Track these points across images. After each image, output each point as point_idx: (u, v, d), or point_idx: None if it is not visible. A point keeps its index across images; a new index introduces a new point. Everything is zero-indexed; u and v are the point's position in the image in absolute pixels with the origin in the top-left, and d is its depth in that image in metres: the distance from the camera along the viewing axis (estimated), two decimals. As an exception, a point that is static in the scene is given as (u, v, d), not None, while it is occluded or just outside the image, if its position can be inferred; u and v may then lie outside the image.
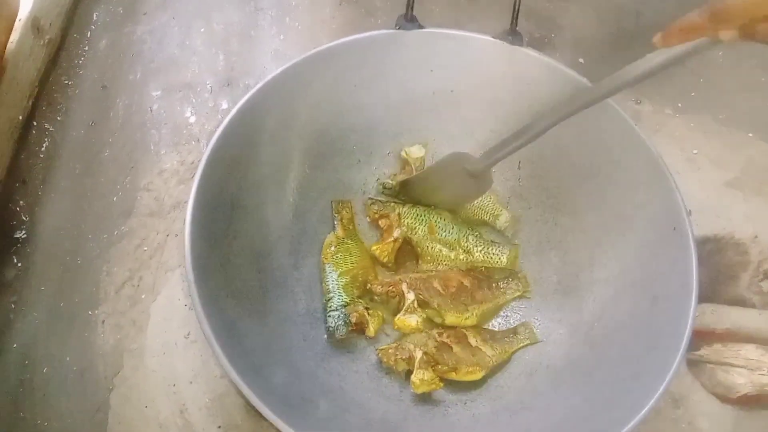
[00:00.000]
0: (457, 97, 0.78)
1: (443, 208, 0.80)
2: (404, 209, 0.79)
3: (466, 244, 0.78)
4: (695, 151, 0.91)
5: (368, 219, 0.81)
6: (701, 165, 0.90)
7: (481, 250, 0.78)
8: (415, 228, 0.78)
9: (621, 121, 0.70)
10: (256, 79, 0.95)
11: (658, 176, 0.67)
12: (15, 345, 0.76)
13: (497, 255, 0.78)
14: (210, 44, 0.99)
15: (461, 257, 0.78)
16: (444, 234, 0.78)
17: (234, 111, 0.66)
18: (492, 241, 0.79)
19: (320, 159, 0.78)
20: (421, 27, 0.73)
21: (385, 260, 0.77)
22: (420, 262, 0.79)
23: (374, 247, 0.78)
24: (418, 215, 0.79)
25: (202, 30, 1.00)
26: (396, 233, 0.78)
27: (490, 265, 0.78)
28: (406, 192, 0.81)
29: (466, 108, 0.79)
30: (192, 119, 0.92)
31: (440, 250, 0.78)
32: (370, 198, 0.81)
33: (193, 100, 0.94)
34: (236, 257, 0.67)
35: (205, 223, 0.62)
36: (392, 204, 0.80)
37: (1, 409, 0.73)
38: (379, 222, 0.79)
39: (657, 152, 0.68)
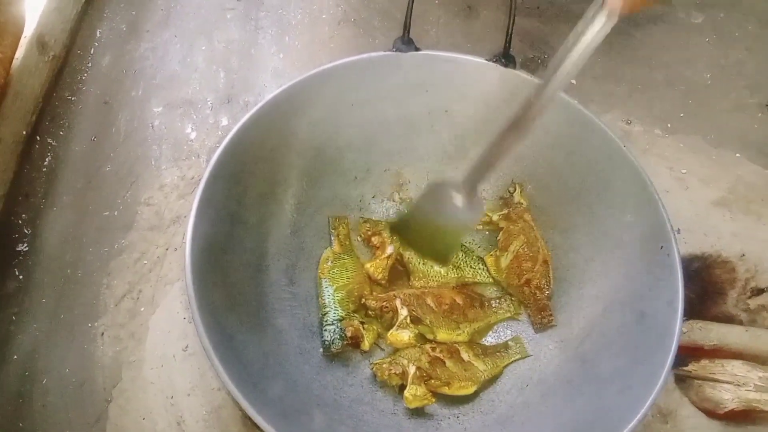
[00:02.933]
0: (451, 116, 0.80)
1: (437, 255, 0.78)
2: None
3: (456, 261, 0.80)
4: (684, 171, 0.93)
5: (360, 238, 0.82)
6: (690, 184, 0.92)
7: (469, 267, 0.80)
8: (406, 246, 0.80)
9: (610, 141, 0.72)
10: (256, 96, 0.98)
11: (646, 196, 0.69)
12: (15, 356, 0.77)
13: (484, 270, 0.80)
14: (211, 62, 1.01)
15: (451, 274, 0.80)
16: None
17: (236, 128, 0.68)
18: (479, 258, 0.81)
19: (318, 176, 0.79)
20: (417, 49, 0.75)
21: (379, 277, 0.78)
22: (411, 278, 0.80)
23: (368, 265, 0.79)
24: None
25: (204, 48, 1.03)
26: (389, 250, 0.79)
27: (478, 280, 0.80)
28: (400, 236, 0.79)
29: (461, 127, 0.81)
30: (192, 135, 0.94)
31: (431, 267, 0.79)
32: (361, 217, 0.83)
33: (194, 117, 0.96)
34: (235, 271, 0.68)
35: (206, 238, 0.63)
36: (383, 223, 0.82)
37: (1, 419, 0.73)
38: (372, 239, 0.81)
39: (645, 172, 0.70)
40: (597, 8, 0.55)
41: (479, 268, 0.81)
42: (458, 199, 0.69)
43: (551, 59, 0.60)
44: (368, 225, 0.81)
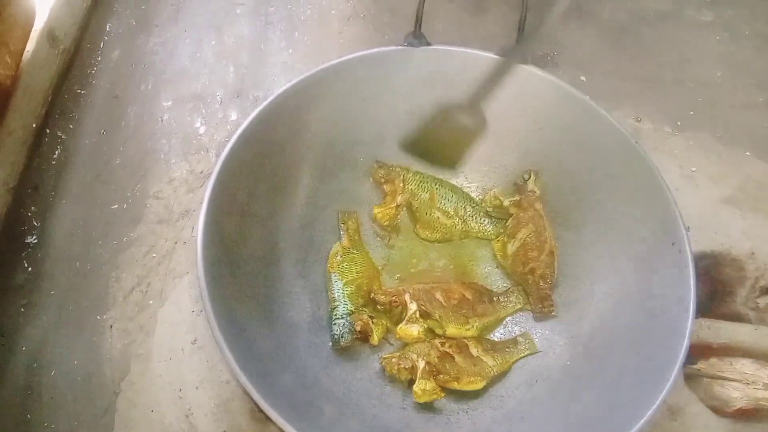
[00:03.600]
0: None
1: (447, 160, 0.82)
2: (409, 175, 0.82)
3: (463, 214, 0.81)
4: (694, 169, 0.92)
5: (372, 180, 0.83)
6: (699, 182, 0.91)
7: (475, 220, 0.82)
8: (417, 194, 0.81)
9: (622, 138, 0.72)
10: (266, 91, 0.98)
11: (657, 193, 0.69)
12: (24, 348, 0.77)
13: (487, 226, 0.82)
14: (220, 56, 1.01)
15: (458, 226, 0.81)
16: (444, 203, 0.81)
17: (246, 122, 0.68)
18: (487, 213, 0.83)
19: (328, 170, 0.79)
20: (428, 44, 0.75)
21: (386, 223, 0.80)
22: (417, 226, 0.82)
23: (376, 210, 0.80)
24: (421, 182, 0.82)
25: (213, 42, 1.03)
26: (399, 199, 0.80)
27: (481, 235, 0.82)
28: (410, 152, 0.81)
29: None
30: (202, 129, 0.94)
31: (438, 218, 0.81)
32: (377, 161, 0.82)
33: (203, 111, 0.96)
34: (245, 264, 0.68)
35: (217, 231, 0.63)
36: (398, 169, 0.82)
37: (9, 410, 0.74)
38: (384, 186, 0.82)
39: (657, 169, 0.70)
40: None
41: (485, 223, 0.82)
42: (466, 115, 0.75)
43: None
44: (383, 171, 0.82)
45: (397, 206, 0.80)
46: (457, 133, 0.77)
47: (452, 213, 0.81)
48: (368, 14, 1.07)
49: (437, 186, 0.82)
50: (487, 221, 0.82)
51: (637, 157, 0.71)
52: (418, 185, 0.81)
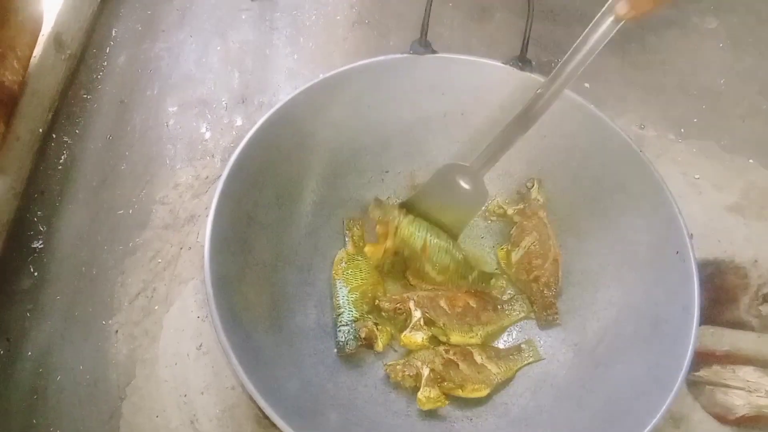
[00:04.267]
0: (467, 119, 0.80)
1: (446, 229, 0.80)
2: (404, 222, 0.78)
3: (454, 271, 0.79)
4: (697, 176, 0.93)
5: (369, 216, 0.80)
6: (703, 189, 0.92)
7: (467, 279, 0.80)
8: (409, 243, 0.78)
9: (626, 146, 0.73)
10: (270, 97, 0.98)
11: (661, 201, 0.69)
12: (30, 353, 0.77)
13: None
14: (226, 62, 1.02)
15: (449, 281, 0.79)
16: (437, 257, 0.78)
17: (254, 129, 0.68)
18: (482, 275, 0.81)
19: (333, 177, 0.80)
20: (434, 52, 0.75)
21: (374, 263, 0.79)
22: (407, 272, 0.80)
23: (367, 247, 0.79)
24: (415, 232, 0.78)
25: (219, 48, 1.03)
26: (388, 244, 0.79)
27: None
28: (409, 211, 0.80)
29: (476, 130, 0.81)
30: (207, 135, 0.94)
31: (428, 272, 0.79)
32: (375, 199, 0.80)
33: (209, 117, 0.96)
34: (251, 271, 0.69)
35: (223, 238, 0.64)
36: (394, 212, 0.78)
37: (15, 415, 0.74)
38: (377, 227, 0.79)
39: (661, 177, 0.70)
40: (605, 12, 0.61)
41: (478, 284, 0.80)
42: (466, 182, 0.77)
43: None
44: (379, 211, 0.78)
45: (385, 251, 0.78)
46: (457, 199, 0.78)
47: (442, 269, 0.78)
48: (373, 20, 1.07)
49: (432, 237, 0.78)
50: (483, 285, 0.81)
51: (641, 166, 0.71)
52: (411, 235, 0.77)
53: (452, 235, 0.80)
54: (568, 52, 0.64)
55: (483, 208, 0.83)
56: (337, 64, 0.76)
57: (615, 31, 0.62)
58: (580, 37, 0.63)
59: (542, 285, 0.77)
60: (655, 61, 1.05)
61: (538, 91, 0.68)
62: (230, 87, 0.99)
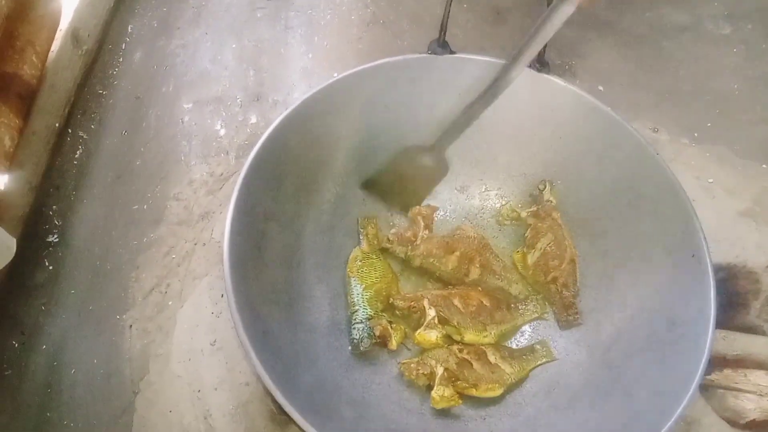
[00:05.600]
0: (482, 120, 0.80)
1: (405, 198, 0.83)
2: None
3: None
4: (710, 180, 0.93)
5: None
6: (716, 194, 0.92)
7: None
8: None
9: (642, 148, 0.73)
10: (285, 95, 0.98)
11: (678, 205, 0.69)
12: (44, 346, 0.78)
13: None
14: (241, 60, 1.02)
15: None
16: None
17: (272, 127, 0.68)
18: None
19: (349, 176, 0.80)
20: (452, 52, 0.75)
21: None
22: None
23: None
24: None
25: (234, 46, 1.04)
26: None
27: None
28: (371, 190, 0.82)
29: (491, 131, 0.81)
30: (222, 132, 0.95)
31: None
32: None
33: (223, 114, 0.96)
34: (268, 268, 0.69)
35: (242, 234, 0.64)
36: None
37: (29, 408, 0.75)
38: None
39: (678, 182, 0.70)
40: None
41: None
42: (428, 157, 0.80)
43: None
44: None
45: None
46: (417, 174, 0.81)
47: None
48: (387, 20, 1.07)
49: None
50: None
51: (657, 169, 0.71)
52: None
53: (413, 203, 0.82)
54: (529, 34, 0.67)
55: (443, 178, 0.84)
56: (352, 64, 0.76)
57: (569, 14, 0.64)
58: (540, 19, 0.66)
59: (560, 285, 0.77)
60: (669, 66, 1.05)
61: (500, 70, 0.71)
62: (245, 85, 0.99)
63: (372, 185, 0.82)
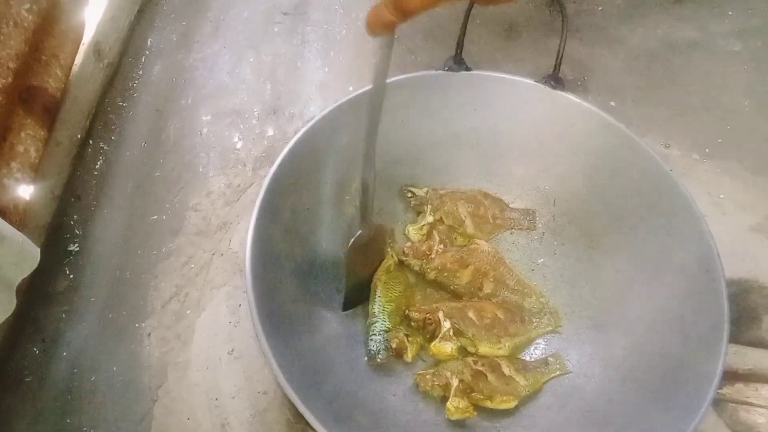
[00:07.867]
0: (497, 136, 0.82)
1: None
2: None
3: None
4: (722, 196, 0.94)
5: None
6: (727, 209, 0.93)
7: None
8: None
9: (656, 164, 0.74)
10: (301, 108, 1.00)
11: (691, 220, 0.70)
12: (65, 353, 0.79)
13: None
14: (258, 74, 1.04)
15: None
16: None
17: (293, 141, 0.70)
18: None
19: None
20: (468, 69, 0.77)
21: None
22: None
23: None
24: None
25: (251, 60, 1.05)
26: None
27: None
28: (356, 304, 0.79)
29: (506, 147, 0.82)
30: (239, 144, 0.96)
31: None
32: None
33: (241, 126, 0.98)
34: (287, 279, 0.70)
35: (263, 246, 0.65)
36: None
37: (50, 414, 0.76)
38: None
39: (690, 196, 0.71)
40: None
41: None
42: (363, 235, 0.74)
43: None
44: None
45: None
46: (368, 255, 0.78)
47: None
48: (402, 36, 1.09)
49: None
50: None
51: (671, 185, 0.72)
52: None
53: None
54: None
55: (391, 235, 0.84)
56: (367, 78, 0.77)
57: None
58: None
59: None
60: (680, 82, 1.06)
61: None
62: (262, 98, 1.01)
63: (352, 301, 0.78)
